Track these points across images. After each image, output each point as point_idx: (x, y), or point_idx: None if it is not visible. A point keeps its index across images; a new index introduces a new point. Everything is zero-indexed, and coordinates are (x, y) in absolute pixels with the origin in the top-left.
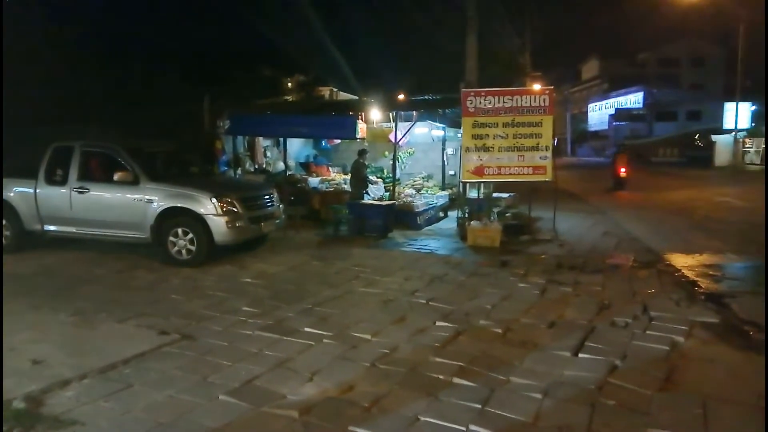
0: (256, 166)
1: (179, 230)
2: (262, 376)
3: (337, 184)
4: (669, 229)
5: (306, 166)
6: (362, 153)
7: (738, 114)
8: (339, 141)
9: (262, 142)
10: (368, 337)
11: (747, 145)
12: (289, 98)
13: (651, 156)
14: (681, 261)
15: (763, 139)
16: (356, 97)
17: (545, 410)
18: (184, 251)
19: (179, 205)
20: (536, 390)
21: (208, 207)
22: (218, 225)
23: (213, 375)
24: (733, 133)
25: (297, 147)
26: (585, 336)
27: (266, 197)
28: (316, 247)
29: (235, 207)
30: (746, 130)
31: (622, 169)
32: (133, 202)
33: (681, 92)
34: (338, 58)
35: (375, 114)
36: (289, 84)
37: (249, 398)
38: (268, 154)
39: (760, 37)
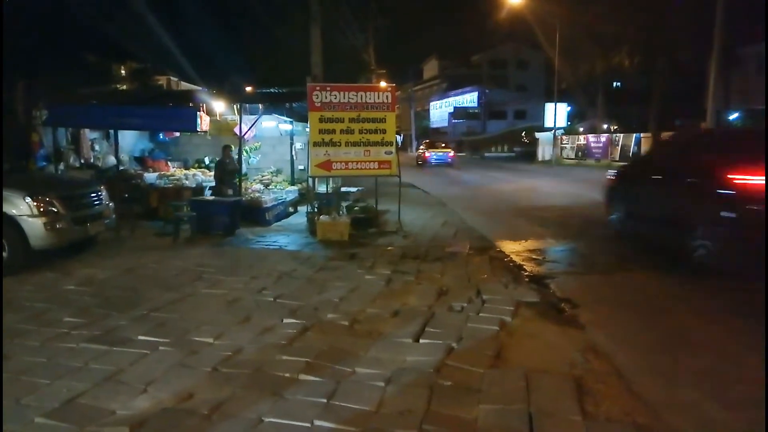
0: (83, 161)
1: None
2: (88, 393)
3: (177, 180)
4: (500, 218)
5: (142, 161)
6: (225, 149)
7: (556, 114)
8: (178, 134)
9: (89, 134)
10: (210, 340)
11: (564, 142)
12: (122, 87)
13: (485, 151)
14: (509, 247)
15: (578, 136)
16: (198, 88)
17: (388, 397)
18: None
19: None
20: (380, 378)
21: (21, 207)
22: (34, 227)
23: (28, 396)
24: (553, 131)
25: (131, 140)
26: (425, 322)
27: (93, 195)
28: (153, 248)
29: (54, 207)
30: (563, 128)
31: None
32: None
33: (509, 93)
34: (177, 45)
35: (219, 106)
36: (122, 72)
37: (71, 418)
38: (97, 147)
39: (571, 45)
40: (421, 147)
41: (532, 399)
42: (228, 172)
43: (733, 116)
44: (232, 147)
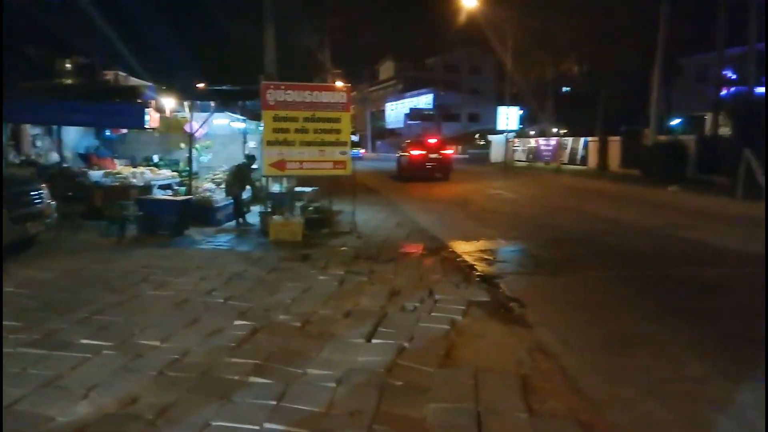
0: (23, 158)
1: None
2: (26, 399)
3: (123, 178)
4: (451, 220)
5: (86, 158)
6: (251, 158)
7: (508, 117)
8: (126, 131)
9: (31, 130)
10: (156, 343)
11: (516, 145)
12: (68, 81)
13: None
14: (461, 248)
15: (529, 139)
16: (147, 83)
17: (339, 398)
18: None
19: None
20: (331, 379)
21: None
22: None
23: None
24: (505, 134)
25: (75, 136)
26: (378, 322)
27: (33, 193)
28: (97, 249)
29: None
30: (515, 131)
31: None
32: None
33: (463, 96)
34: (125, 39)
35: (169, 102)
36: (68, 66)
37: (8, 426)
38: (38, 143)
39: (523, 51)
40: None
41: (480, 397)
42: (242, 183)
43: (675, 122)
44: (255, 158)
